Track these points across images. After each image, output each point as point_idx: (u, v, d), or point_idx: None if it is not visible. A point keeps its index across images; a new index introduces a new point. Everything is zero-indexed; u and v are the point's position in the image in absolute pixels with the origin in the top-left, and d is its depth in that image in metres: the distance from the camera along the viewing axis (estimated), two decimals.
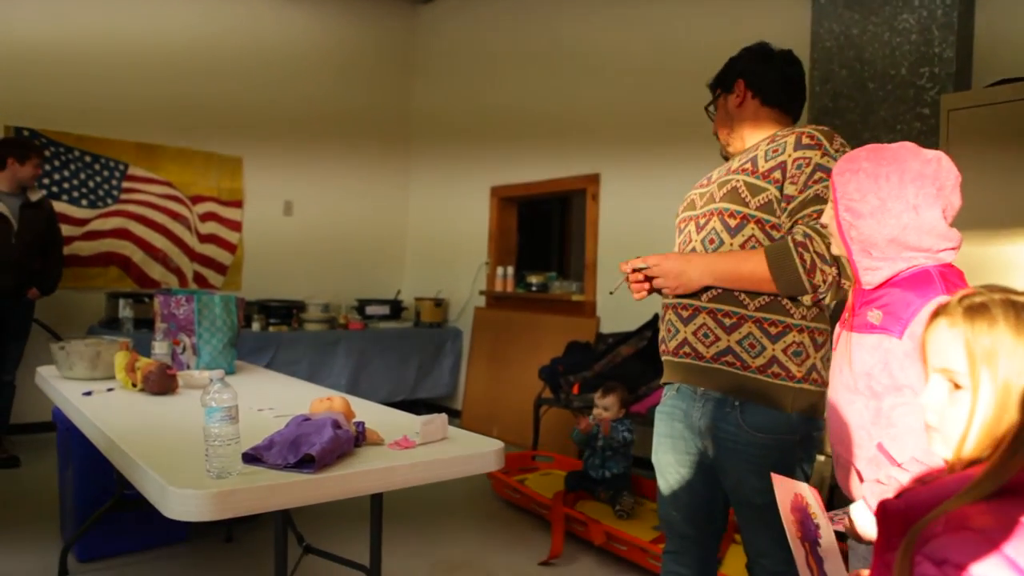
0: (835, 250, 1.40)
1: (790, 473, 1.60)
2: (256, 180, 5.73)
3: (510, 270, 5.56)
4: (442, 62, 6.32)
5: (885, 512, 0.90)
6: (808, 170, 1.58)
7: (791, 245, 1.54)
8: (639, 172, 4.52)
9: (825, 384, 1.60)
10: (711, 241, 1.69)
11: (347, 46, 6.17)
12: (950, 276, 1.27)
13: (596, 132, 4.91)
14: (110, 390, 2.41)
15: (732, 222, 1.65)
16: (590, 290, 4.91)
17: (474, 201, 5.89)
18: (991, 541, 0.76)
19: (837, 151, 1.60)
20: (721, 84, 1.87)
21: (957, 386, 0.91)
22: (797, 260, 1.53)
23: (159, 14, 5.22)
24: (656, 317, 4.23)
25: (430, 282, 6.27)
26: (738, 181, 1.68)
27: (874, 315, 1.29)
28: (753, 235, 1.63)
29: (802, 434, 1.64)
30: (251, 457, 1.48)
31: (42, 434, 4.50)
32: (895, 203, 1.26)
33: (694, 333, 1.70)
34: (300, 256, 5.94)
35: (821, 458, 2.79)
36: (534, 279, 5.37)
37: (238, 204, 5.66)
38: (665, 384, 1.85)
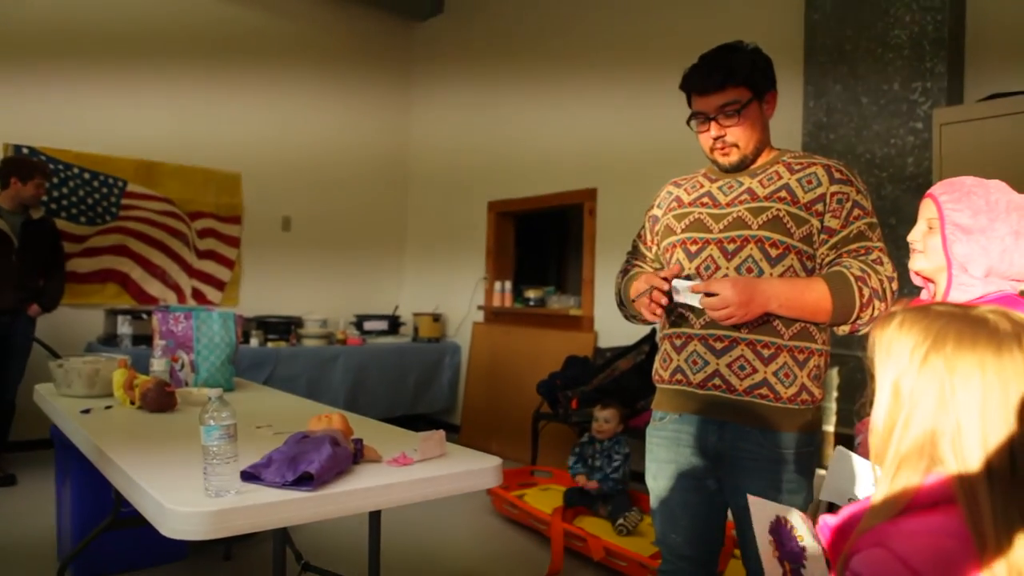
0: (920, 265, 1.45)
1: (807, 483, 1.66)
2: (254, 196, 5.75)
3: (508, 285, 5.57)
4: (438, 78, 6.36)
5: (827, 529, 0.92)
6: (848, 205, 1.62)
7: (851, 278, 1.56)
8: (636, 186, 4.55)
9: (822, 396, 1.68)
10: (748, 269, 1.64)
11: (345, 62, 6.21)
12: None
13: (593, 146, 4.94)
14: (108, 408, 2.41)
15: (774, 252, 1.63)
16: (588, 305, 4.92)
17: (472, 216, 5.91)
18: (901, 560, 0.77)
19: (862, 189, 1.66)
20: (756, 89, 1.67)
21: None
22: (856, 293, 1.56)
23: (158, 31, 5.26)
24: (654, 331, 4.24)
25: (428, 297, 6.28)
26: (780, 211, 1.63)
27: None
28: (792, 266, 1.64)
29: (816, 445, 1.69)
30: (249, 475, 1.48)
31: (40, 451, 4.49)
32: (1001, 225, 1.34)
33: (728, 365, 1.65)
34: (298, 272, 5.95)
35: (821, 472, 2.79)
36: (532, 294, 5.39)
37: (236, 220, 5.67)
38: (663, 411, 1.80)
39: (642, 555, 2.99)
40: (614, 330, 4.69)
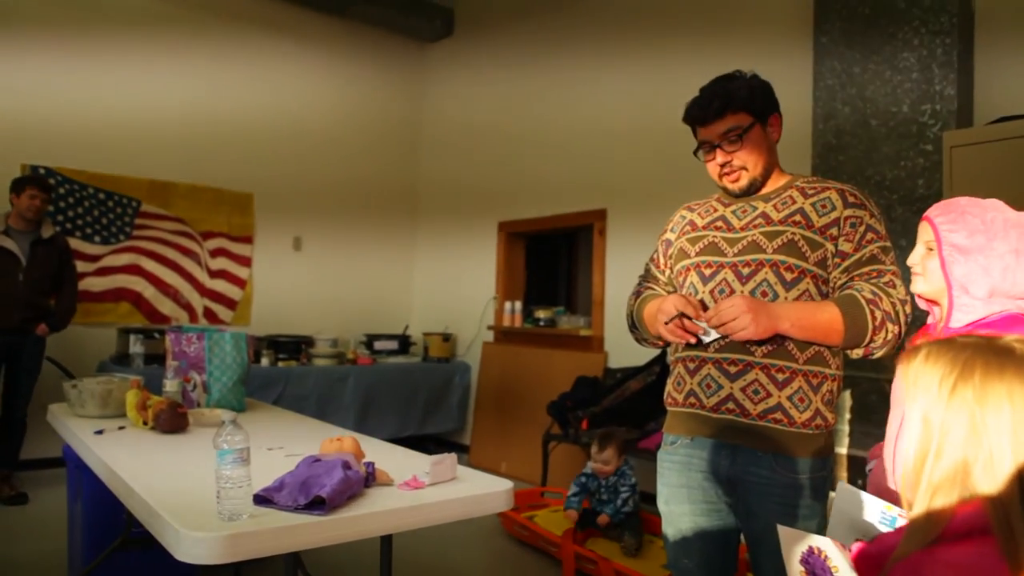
0: (920, 288, 1.44)
1: (821, 508, 1.65)
2: (266, 216, 5.79)
3: (518, 305, 5.58)
4: (450, 99, 6.42)
5: (863, 556, 0.92)
6: (861, 229, 1.63)
7: (863, 301, 1.56)
8: (646, 207, 4.56)
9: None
10: (764, 293, 1.64)
11: (356, 83, 6.28)
12: None
13: (602, 166, 4.96)
14: (121, 428, 2.42)
15: (789, 276, 1.63)
16: (598, 325, 4.92)
17: (482, 236, 5.94)
18: None
19: (875, 213, 1.67)
20: (757, 113, 1.70)
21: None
22: (868, 316, 1.56)
23: (172, 51, 5.34)
24: (664, 352, 4.24)
25: (438, 317, 6.30)
26: (795, 235, 1.64)
27: None
28: (807, 290, 1.64)
29: (829, 469, 1.68)
30: (262, 499, 1.49)
31: (51, 470, 4.51)
32: (1000, 244, 1.32)
33: (743, 389, 1.64)
34: (309, 291, 5.98)
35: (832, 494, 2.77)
36: (542, 314, 5.39)
37: (248, 240, 5.72)
38: (675, 434, 1.79)
39: None
40: (624, 351, 4.68)
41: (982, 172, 2.75)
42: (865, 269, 1.61)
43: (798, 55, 3.75)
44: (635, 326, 1.89)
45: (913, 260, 1.45)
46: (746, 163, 1.70)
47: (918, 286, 1.44)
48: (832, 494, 1.41)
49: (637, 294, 1.91)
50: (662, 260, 1.91)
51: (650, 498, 4.18)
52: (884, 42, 3.29)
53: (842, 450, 3.24)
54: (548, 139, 5.38)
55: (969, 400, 0.84)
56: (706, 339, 1.62)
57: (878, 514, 1.26)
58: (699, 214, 1.83)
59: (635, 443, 3.85)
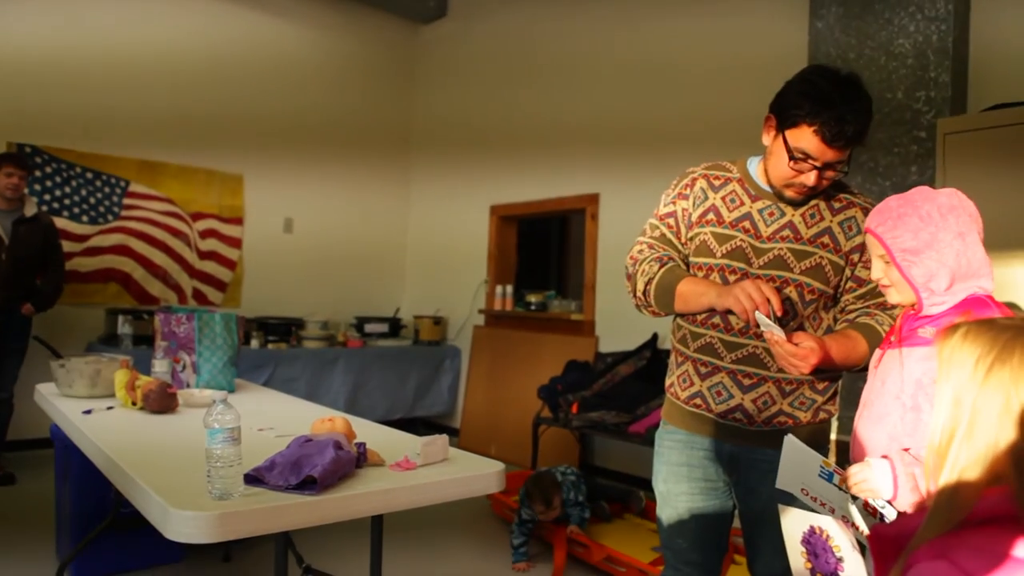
0: (896, 299, 1.42)
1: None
2: (257, 197, 5.75)
3: (509, 289, 5.57)
4: (443, 81, 6.37)
5: (879, 538, 0.91)
6: None
7: (884, 334, 1.55)
8: (638, 192, 4.55)
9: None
10: (785, 312, 1.59)
11: (349, 65, 6.22)
12: (999, 304, 1.35)
13: (596, 151, 4.95)
14: (110, 408, 2.40)
15: (809, 296, 1.64)
16: (589, 309, 4.93)
17: (474, 219, 5.92)
18: (968, 574, 0.76)
19: None
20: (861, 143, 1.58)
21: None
22: None
23: (162, 33, 5.26)
24: (655, 336, 4.24)
25: (429, 300, 6.28)
26: (822, 259, 1.63)
27: (927, 330, 1.36)
28: (818, 309, 1.67)
29: (827, 448, 1.72)
30: (253, 478, 1.48)
31: (39, 451, 4.49)
32: (944, 233, 1.33)
33: (753, 401, 1.66)
34: (299, 273, 5.95)
35: None
36: (533, 298, 5.39)
37: (238, 221, 5.68)
38: (675, 427, 1.79)
39: (641, 561, 2.99)
40: (615, 335, 4.69)
41: (975, 159, 2.76)
42: (880, 299, 1.61)
43: (794, 39, 3.74)
44: (646, 293, 1.74)
45: (876, 275, 1.45)
46: (818, 184, 1.60)
47: (893, 298, 1.45)
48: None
49: (660, 261, 1.74)
50: (682, 231, 1.77)
51: (639, 481, 4.21)
52: (880, 28, 3.28)
53: (831, 435, 3.25)
54: (541, 123, 5.35)
55: (1006, 381, 0.82)
56: (766, 331, 1.52)
57: (816, 468, 1.33)
58: (723, 200, 1.71)
59: (625, 427, 3.86)
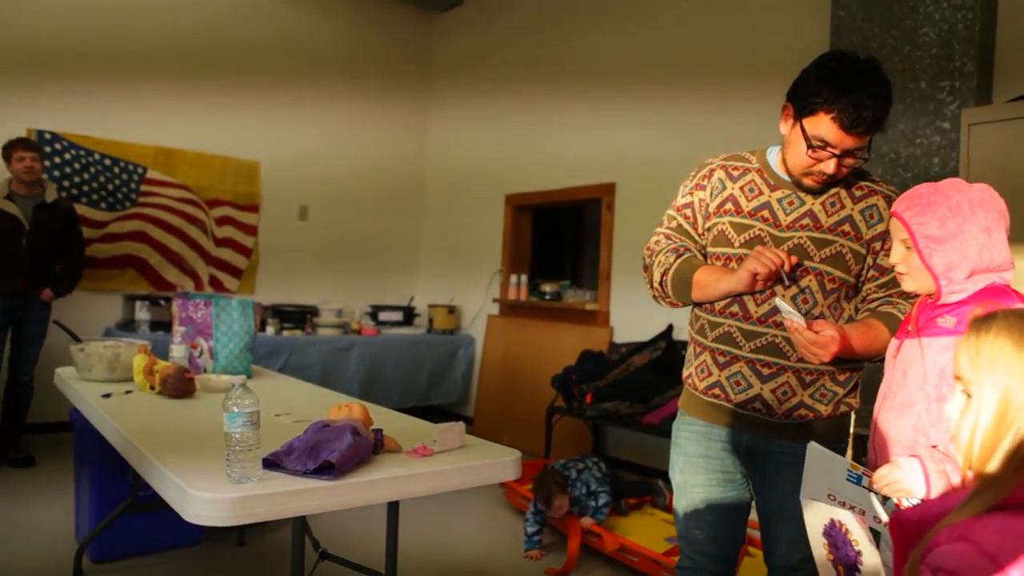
0: (910, 287, 1.43)
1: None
2: (273, 185, 5.76)
3: (524, 278, 5.56)
4: (458, 70, 6.35)
5: (900, 523, 0.92)
6: None
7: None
8: (655, 182, 4.52)
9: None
10: (804, 300, 1.61)
11: (365, 53, 6.21)
12: (1019, 293, 1.35)
13: (613, 141, 4.92)
14: (128, 392, 2.43)
15: (830, 286, 1.62)
16: (604, 299, 4.91)
17: (489, 209, 5.90)
18: (988, 556, 0.77)
19: None
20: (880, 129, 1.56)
21: (969, 396, 0.92)
22: None
23: (179, 20, 5.27)
24: (670, 328, 4.22)
25: (444, 289, 6.29)
26: (843, 247, 1.61)
27: (947, 320, 1.36)
28: (839, 298, 1.65)
29: (847, 442, 1.72)
30: (271, 463, 1.49)
31: (58, 434, 4.53)
32: (971, 225, 1.33)
33: (772, 391, 1.64)
34: (314, 261, 5.97)
35: None
36: (547, 288, 5.37)
37: (254, 208, 5.69)
38: (693, 417, 1.78)
39: (655, 551, 2.98)
40: (630, 326, 4.67)
41: (1000, 150, 2.71)
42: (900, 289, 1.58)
43: (816, 28, 3.69)
44: (663, 284, 1.74)
45: (895, 260, 1.44)
46: (838, 173, 1.58)
47: (907, 285, 1.45)
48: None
49: (676, 252, 1.74)
50: (699, 221, 1.76)
51: (654, 471, 4.20)
52: (904, 16, 3.23)
53: (850, 428, 3.23)
54: (557, 112, 5.32)
55: None
56: (786, 319, 1.52)
57: (844, 472, 1.33)
58: (742, 190, 1.70)
59: (639, 418, 3.85)
